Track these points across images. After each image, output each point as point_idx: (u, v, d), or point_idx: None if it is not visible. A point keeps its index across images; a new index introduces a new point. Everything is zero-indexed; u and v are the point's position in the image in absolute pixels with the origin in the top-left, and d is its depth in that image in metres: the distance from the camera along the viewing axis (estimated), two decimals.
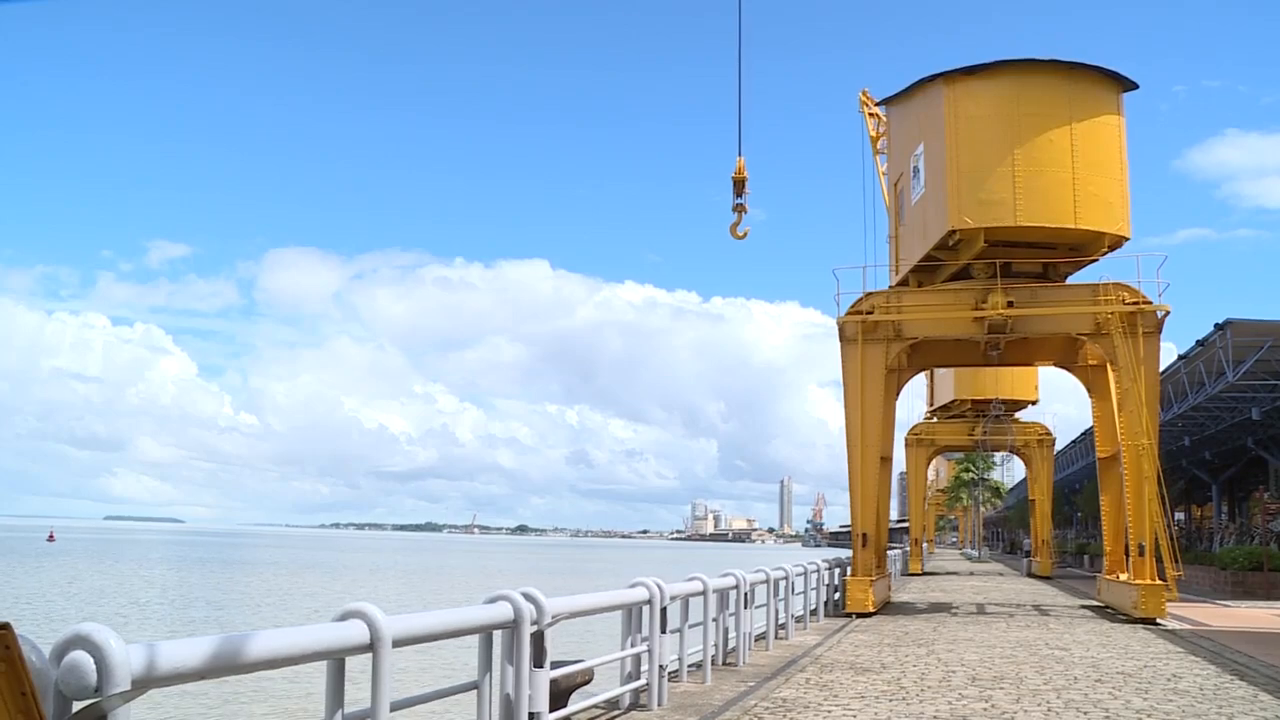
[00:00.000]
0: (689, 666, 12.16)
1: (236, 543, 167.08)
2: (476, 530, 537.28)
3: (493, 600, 7.01)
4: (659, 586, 10.08)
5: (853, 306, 24.98)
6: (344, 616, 5.36)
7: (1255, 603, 27.23)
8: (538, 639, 7.20)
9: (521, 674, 7.01)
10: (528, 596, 7.21)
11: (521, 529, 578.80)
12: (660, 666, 10.09)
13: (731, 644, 13.87)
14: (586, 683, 8.96)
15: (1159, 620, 21.43)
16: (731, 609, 13.78)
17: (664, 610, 10.19)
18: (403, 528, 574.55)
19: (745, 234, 27.74)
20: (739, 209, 27.51)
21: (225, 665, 4.40)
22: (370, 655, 5.34)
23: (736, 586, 13.77)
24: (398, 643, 5.53)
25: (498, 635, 6.99)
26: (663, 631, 10.15)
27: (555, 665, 7.65)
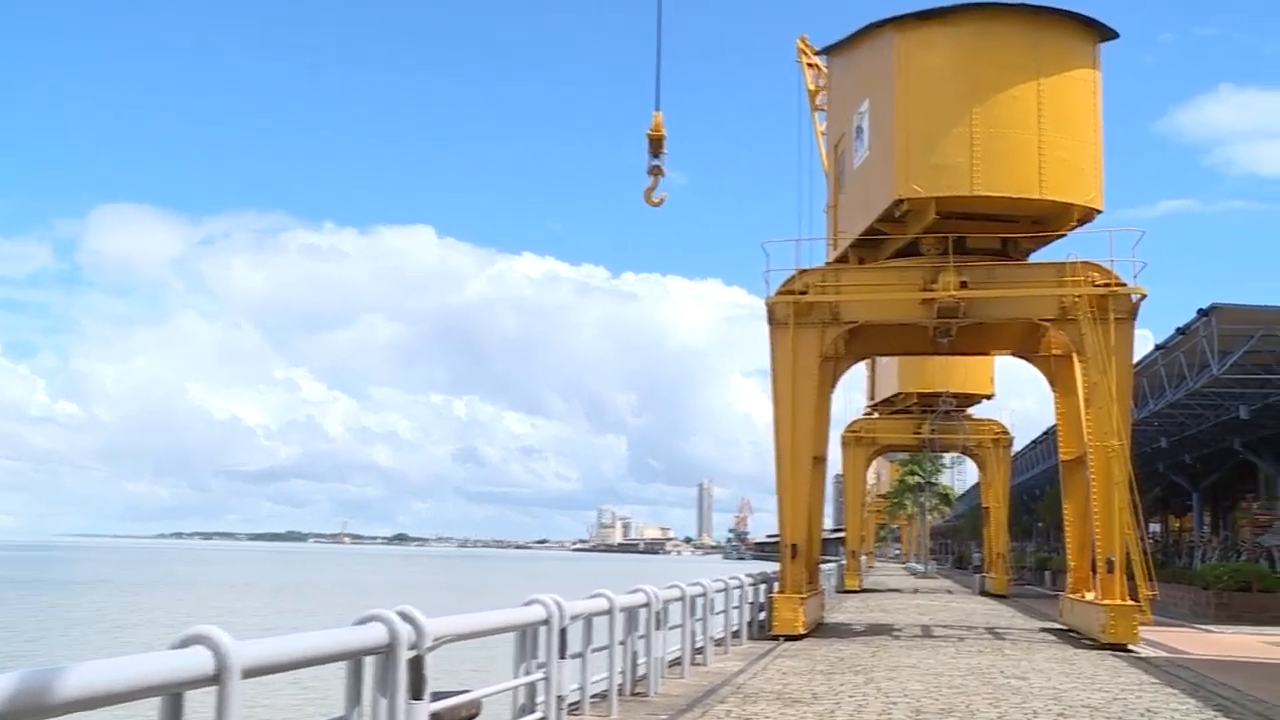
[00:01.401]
0: (592, 697, 12.13)
1: (52, 557, 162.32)
2: (347, 540, 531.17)
3: (363, 621, 6.89)
4: (558, 605, 10.04)
5: (784, 285, 25.16)
6: (184, 643, 5.19)
7: (1242, 627, 28.15)
8: (416, 666, 7.10)
9: (397, 707, 6.91)
10: (405, 616, 7.10)
11: (400, 538, 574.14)
12: (558, 697, 10.06)
13: (641, 671, 13.89)
14: (473, 717, 8.89)
15: (1130, 646, 22.01)
16: (642, 631, 13.81)
17: (563, 632, 10.16)
18: (259, 537, 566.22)
19: (662, 200, 27.80)
20: (655, 171, 27.56)
21: (28, 707, 4.19)
22: (215, 689, 5.18)
23: (647, 605, 13.79)
24: (249, 672, 5.38)
25: (369, 662, 6.88)
26: (562, 657, 10.12)
27: (437, 696, 7.57)
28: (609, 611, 12.23)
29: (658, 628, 14.14)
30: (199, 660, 5.12)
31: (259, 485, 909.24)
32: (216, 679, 5.16)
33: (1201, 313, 26.41)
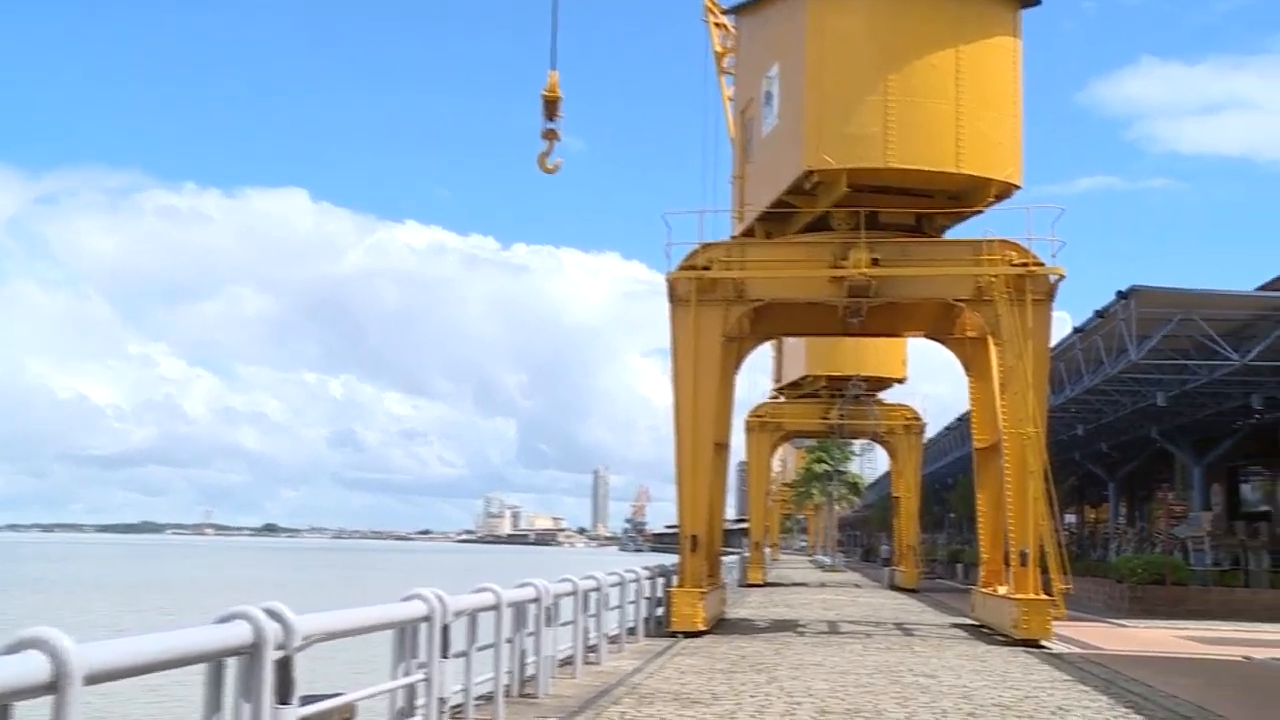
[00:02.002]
0: (477, 699, 12.07)
1: None
2: (210, 531, 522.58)
3: (226, 619, 6.76)
4: (440, 600, 9.97)
5: (686, 260, 25.21)
6: (15, 647, 4.98)
7: (1156, 621, 29.01)
8: (284, 667, 7.00)
9: (262, 712, 6.79)
10: (272, 613, 6.98)
11: (269, 529, 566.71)
12: (440, 700, 10.00)
13: (530, 671, 13.88)
14: None
15: (1043, 642, 22.50)
16: (531, 628, 13.80)
17: (446, 629, 10.09)
18: (110, 528, 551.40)
19: (557, 167, 27.72)
20: (550, 136, 27.46)
21: None
22: (52, 698, 4.99)
23: (537, 599, 13.78)
24: (93, 679, 5.20)
25: (232, 663, 6.75)
26: (444, 656, 10.05)
27: (307, 700, 7.46)
28: (496, 607, 12.18)
29: (548, 624, 14.13)
30: (32, 666, 4.88)
31: (109, 471, 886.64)
32: (53, 687, 4.95)
33: (1120, 295, 27.02)
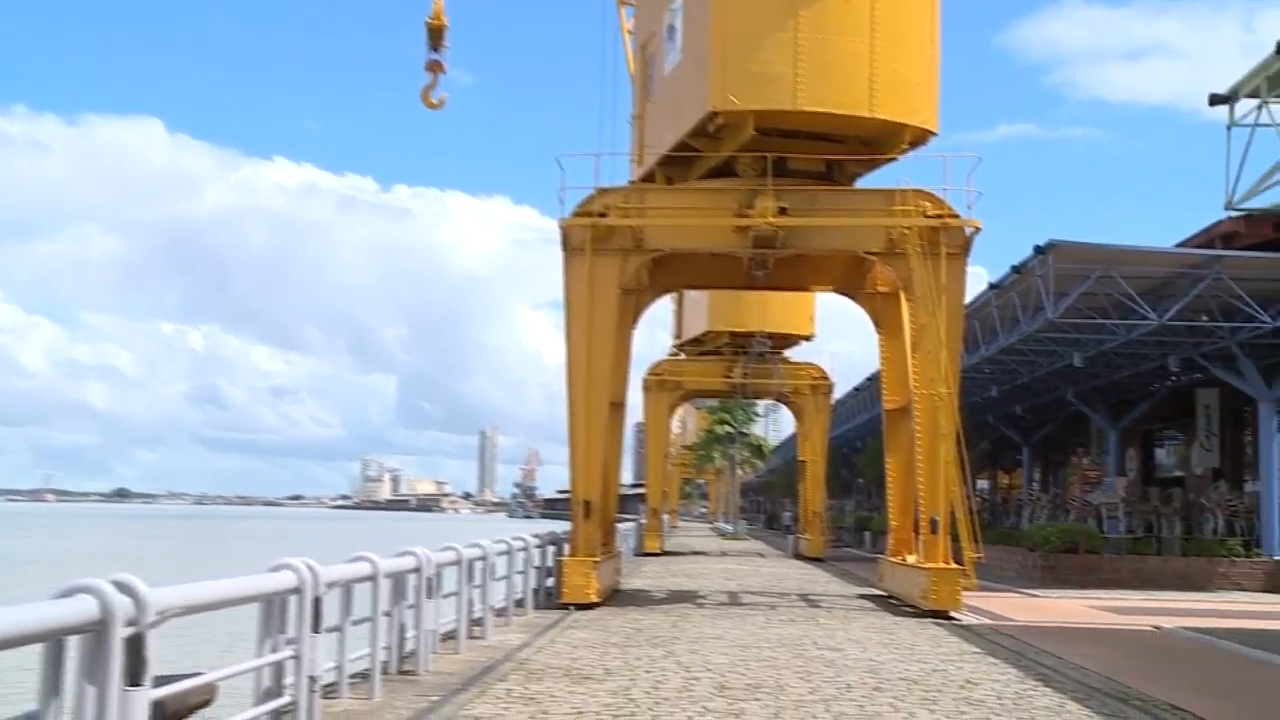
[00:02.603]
0: (352, 677, 11.97)
1: None
2: (51, 497, 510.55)
3: (67, 593, 6.55)
4: (311, 570, 9.80)
5: (581, 206, 25.03)
6: None
7: (1068, 591, 29.69)
8: (135, 646, 6.81)
9: (109, 696, 6.61)
10: (121, 586, 6.78)
11: (121, 494, 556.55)
12: (311, 678, 9.85)
13: (410, 646, 13.78)
14: (206, 704, 8.63)
15: (953, 613, 22.88)
16: (411, 600, 13.68)
17: (317, 602, 9.93)
18: None
19: (442, 102, 27.35)
20: (434, 68, 27.05)
21: None
22: None
23: (418, 570, 13.67)
24: None
25: (74, 643, 6.56)
26: (315, 631, 9.90)
27: (161, 681, 7.29)
28: (372, 577, 12.03)
29: (429, 596, 14.03)
30: None
31: None
32: None
33: (1038, 250, 27.45)
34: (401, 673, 13.45)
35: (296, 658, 9.72)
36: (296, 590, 9.69)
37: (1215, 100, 35.01)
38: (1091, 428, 45.17)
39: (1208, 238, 32.68)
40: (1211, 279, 27.07)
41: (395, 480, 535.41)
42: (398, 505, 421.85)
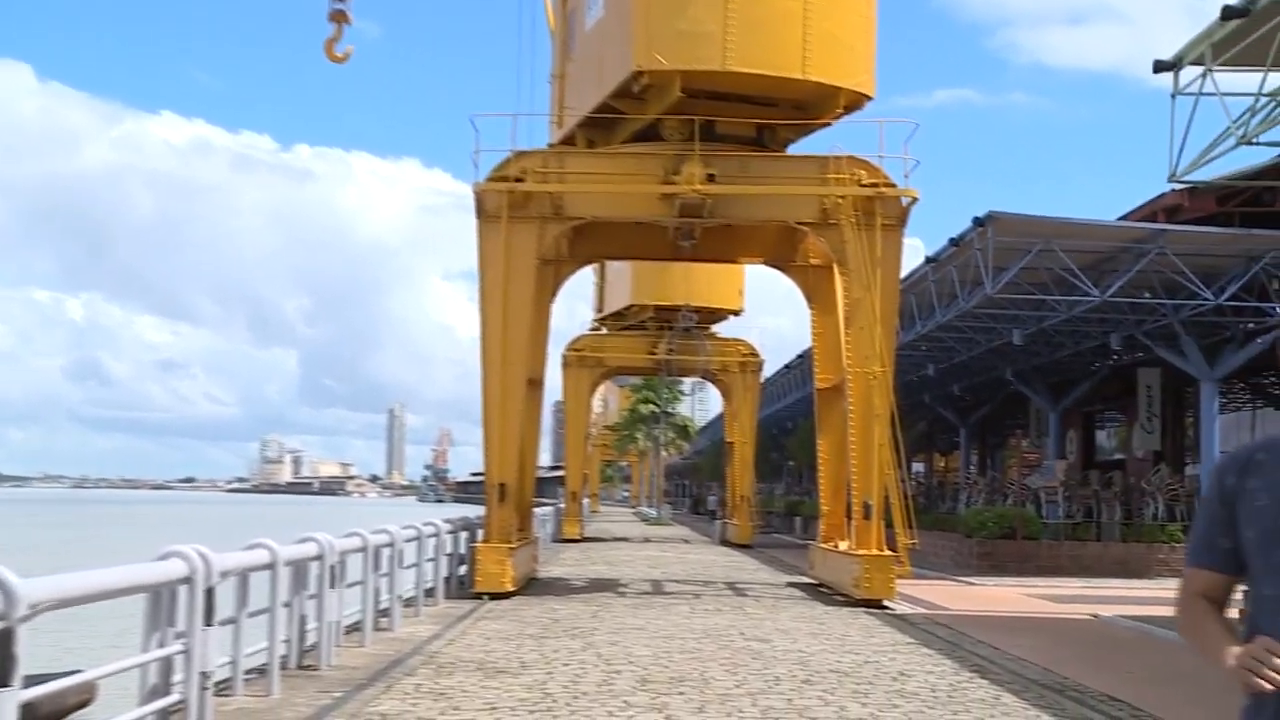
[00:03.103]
0: (247, 673, 11.83)
1: None
2: None
3: None
4: (203, 558, 9.64)
5: (497, 170, 24.90)
6: None
7: (1005, 578, 30.01)
8: (3, 642, 6.68)
9: None
10: None
11: None
12: (202, 674, 9.70)
13: (311, 639, 13.66)
14: (85, 704, 8.47)
15: (886, 602, 23.09)
16: (312, 590, 13.56)
17: (210, 592, 9.78)
18: None
19: (347, 55, 26.97)
20: (338, 18, 26.65)
21: None
22: None
23: (320, 557, 13.54)
24: None
25: None
26: (208, 624, 9.75)
27: (32, 681, 7.15)
28: (271, 566, 11.90)
29: (333, 586, 13.89)
30: None
31: None
32: None
33: (977, 222, 27.56)
34: (302, 668, 13.32)
35: (186, 653, 9.55)
36: (187, 580, 9.53)
37: (1159, 67, 35.27)
38: (1031, 408, 45.69)
39: (1151, 211, 32.98)
40: (1155, 254, 27.38)
41: (297, 462, 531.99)
42: (299, 488, 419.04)
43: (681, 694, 12.60)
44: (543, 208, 24.89)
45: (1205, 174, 34.24)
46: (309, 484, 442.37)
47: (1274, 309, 28.03)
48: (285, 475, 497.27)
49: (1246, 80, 19.96)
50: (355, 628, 15.91)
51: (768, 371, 57.62)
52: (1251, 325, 29.03)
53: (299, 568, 13.24)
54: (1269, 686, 2.82)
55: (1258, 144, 22.00)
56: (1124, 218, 33.38)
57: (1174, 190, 32.21)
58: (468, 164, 24.92)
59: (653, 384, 76.19)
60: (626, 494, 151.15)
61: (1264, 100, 18.62)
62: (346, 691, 12.28)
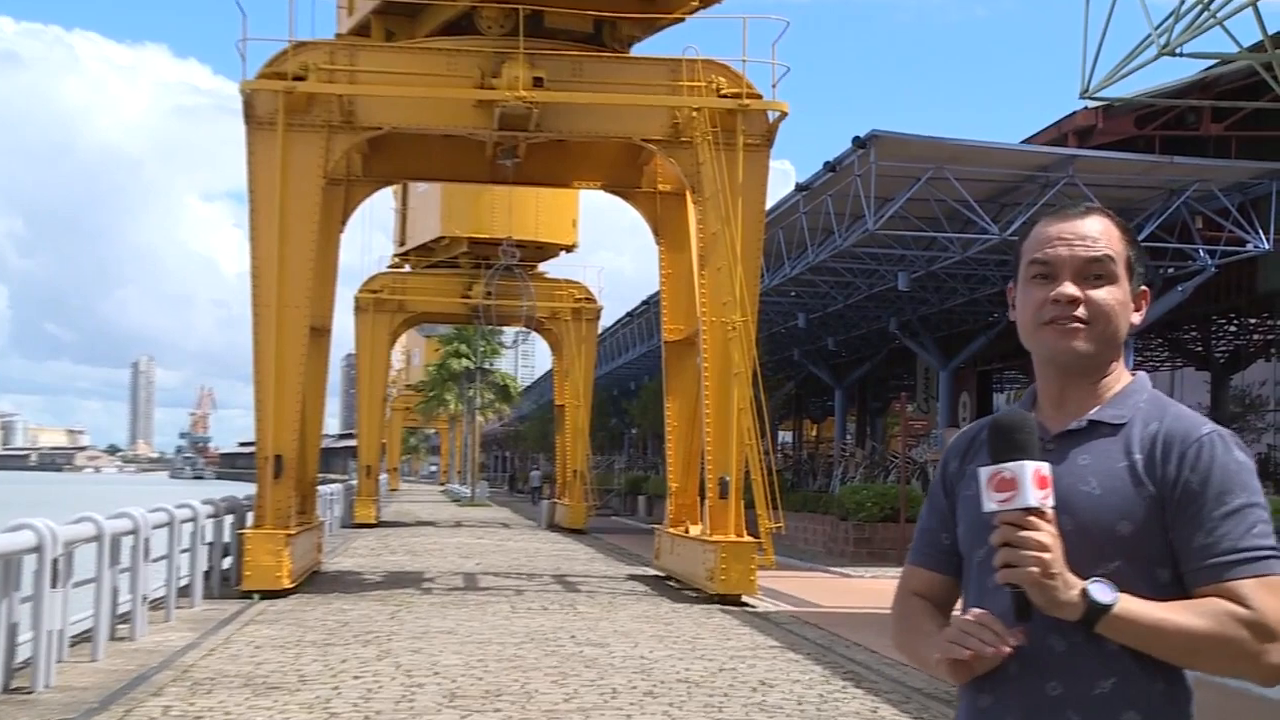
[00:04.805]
0: None
1: None
2: None
3: None
4: None
5: (271, 65, 24.42)
6: None
7: (886, 569, 30.24)
8: None
9: None
10: None
11: None
12: None
13: (24, 653, 13.25)
14: None
15: (746, 598, 23.23)
16: (27, 591, 13.17)
17: None
18: None
19: None
20: None
21: None
22: None
23: (38, 549, 13.10)
24: None
25: None
26: None
27: None
28: None
29: (55, 586, 13.45)
30: None
31: None
32: None
33: (857, 143, 27.72)
34: (11, 690, 12.90)
35: None
36: None
37: None
38: (918, 367, 46.39)
39: (1059, 133, 33.46)
40: (1063, 184, 27.82)
41: (7, 429, 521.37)
42: (11, 462, 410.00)
43: (498, 711, 12.54)
44: (329, 114, 24.48)
45: (1122, 90, 34.83)
46: (24, 456, 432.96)
47: (1198, 251, 28.66)
48: None
49: None
50: (85, 637, 15.54)
51: (607, 320, 57.85)
52: (1172, 270, 29.68)
53: (8, 562, 12.76)
54: (985, 652, 2.81)
55: (1181, 55, 22.33)
56: (1029, 141, 33.85)
57: (1086, 109, 32.72)
58: (233, 55, 24.45)
59: (467, 334, 76.07)
60: (434, 468, 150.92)
61: (1190, 3, 18.81)
62: (72, 719, 11.93)
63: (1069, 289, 3.01)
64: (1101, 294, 3.00)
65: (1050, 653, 2.86)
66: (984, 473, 2.84)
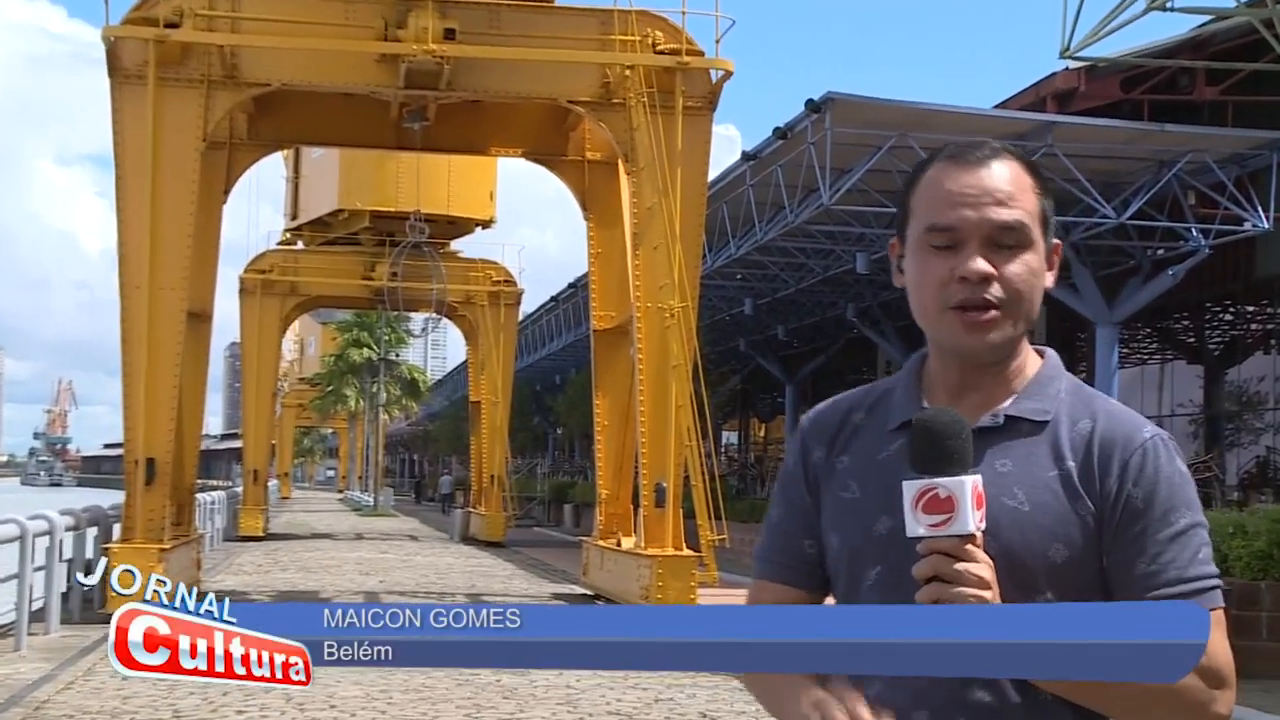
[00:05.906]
0: None
1: None
2: None
3: None
4: None
5: (138, 8, 24.36)
6: None
7: None
8: None
9: None
10: None
11: None
12: None
13: None
14: None
15: None
16: None
17: None
18: None
19: None
20: None
21: None
22: None
23: None
24: None
25: None
26: None
27: None
28: None
29: None
30: None
31: None
32: None
33: (811, 106, 27.66)
34: None
35: None
36: None
37: None
38: (879, 359, 46.47)
39: (1037, 96, 33.47)
40: (1042, 153, 27.77)
41: None
42: None
43: None
44: (209, 67, 24.41)
45: (1106, 49, 34.92)
46: None
47: (1190, 231, 28.72)
48: None
49: None
50: None
51: (528, 306, 57.93)
52: (1161, 251, 29.77)
53: None
54: None
55: (1173, 10, 22.40)
56: (1004, 105, 33.87)
57: (1067, 70, 32.72)
58: None
59: (369, 321, 75.95)
60: (332, 473, 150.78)
61: None
62: None
63: (980, 265, 2.66)
64: (1017, 268, 2.68)
65: (975, 708, 2.61)
66: (910, 488, 2.51)
